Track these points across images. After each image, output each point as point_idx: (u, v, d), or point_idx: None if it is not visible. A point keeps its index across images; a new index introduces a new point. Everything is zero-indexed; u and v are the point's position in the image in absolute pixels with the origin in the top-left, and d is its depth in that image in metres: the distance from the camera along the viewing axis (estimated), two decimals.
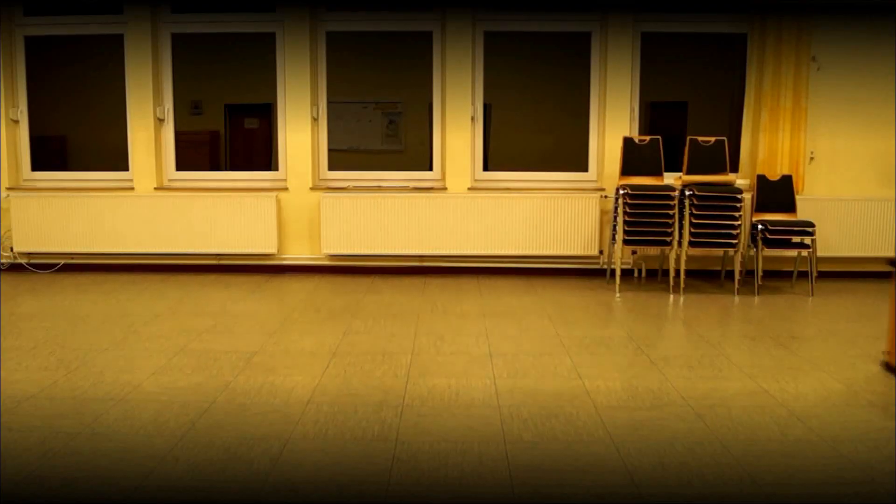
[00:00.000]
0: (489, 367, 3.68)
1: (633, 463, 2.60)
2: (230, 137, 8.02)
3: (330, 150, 6.40)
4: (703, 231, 5.54)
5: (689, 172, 5.76)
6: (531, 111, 7.57)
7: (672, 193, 5.55)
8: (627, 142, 5.87)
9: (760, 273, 5.61)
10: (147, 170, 6.25)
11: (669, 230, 5.55)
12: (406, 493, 2.38)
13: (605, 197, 6.11)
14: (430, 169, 6.38)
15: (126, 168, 6.36)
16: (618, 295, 5.46)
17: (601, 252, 6.14)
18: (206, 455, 2.65)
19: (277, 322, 4.59)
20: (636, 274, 6.21)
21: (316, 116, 6.27)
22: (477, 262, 6.25)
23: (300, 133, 6.19)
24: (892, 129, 6.05)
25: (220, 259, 6.29)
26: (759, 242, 5.56)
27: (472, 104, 6.16)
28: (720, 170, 5.76)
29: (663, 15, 6.11)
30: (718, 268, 6.10)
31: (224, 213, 6.12)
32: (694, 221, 5.52)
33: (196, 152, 7.09)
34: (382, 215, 6.09)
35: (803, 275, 5.90)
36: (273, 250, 6.17)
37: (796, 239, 5.65)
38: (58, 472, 2.51)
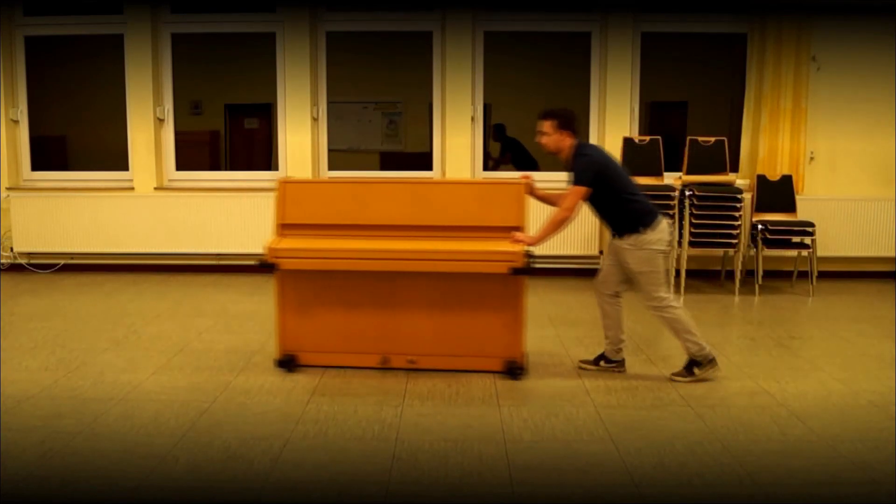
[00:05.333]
0: None
1: (633, 462, 2.60)
2: (230, 137, 8.03)
3: (330, 150, 6.39)
4: (703, 231, 5.54)
5: (689, 172, 5.76)
6: (531, 111, 7.57)
7: (672, 193, 5.55)
8: (627, 142, 5.87)
9: (760, 273, 5.61)
10: (147, 170, 6.25)
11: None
12: (406, 493, 2.38)
13: None
14: (430, 169, 6.38)
15: (126, 168, 6.35)
16: None
17: (601, 252, 6.14)
18: (206, 455, 2.65)
19: None
20: None
21: (316, 116, 6.27)
22: None
23: (300, 133, 6.19)
24: (892, 129, 6.04)
25: (220, 259, 6.29)
26: (759, 242, 5.55)
27: (472, 104, 6.16)
28: (720, 170, 5.75)
29: (663, 15, 6.10)
30: (718, 268, 6.09)
31: (224, 213, 6.11)
32: (694, 221, 5.52)
33: (196, 152, 7.09)
34: None
35: (803, 275, 5.90)
36: None
37: (796, 239, 5.65)
38: (58, 472, 2.51)
